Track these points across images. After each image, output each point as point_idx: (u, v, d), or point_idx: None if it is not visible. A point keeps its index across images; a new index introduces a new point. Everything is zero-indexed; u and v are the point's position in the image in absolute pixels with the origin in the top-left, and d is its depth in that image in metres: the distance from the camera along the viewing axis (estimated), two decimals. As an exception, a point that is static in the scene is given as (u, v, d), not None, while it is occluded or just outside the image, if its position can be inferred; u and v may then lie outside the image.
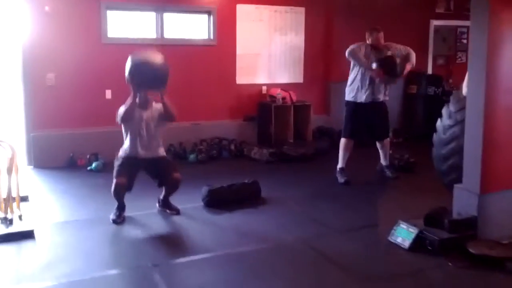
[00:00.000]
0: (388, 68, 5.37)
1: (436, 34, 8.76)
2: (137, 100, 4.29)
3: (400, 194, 5.30)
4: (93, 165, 6.02)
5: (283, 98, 7.08)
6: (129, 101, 4.28)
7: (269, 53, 7.43)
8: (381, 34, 5.46)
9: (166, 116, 4.43)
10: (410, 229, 3.84)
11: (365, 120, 5.56)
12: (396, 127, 7.94)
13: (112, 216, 4.32)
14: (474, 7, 3.76)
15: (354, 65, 5.52)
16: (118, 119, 4.35)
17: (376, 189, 5.53)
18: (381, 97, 5.55)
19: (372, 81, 5.43)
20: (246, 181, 4.96)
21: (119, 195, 4.32)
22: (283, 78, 7.58)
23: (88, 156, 6.18)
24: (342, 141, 5.63)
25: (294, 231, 4.18)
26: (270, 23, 7.37)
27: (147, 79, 4.19)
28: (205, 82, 7.05)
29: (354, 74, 5.52)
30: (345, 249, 3.83)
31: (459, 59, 9.06)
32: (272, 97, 7.21)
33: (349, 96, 5.58)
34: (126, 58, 4.26)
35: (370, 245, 3.94)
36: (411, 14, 8.23)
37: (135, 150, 4.39)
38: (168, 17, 6.81)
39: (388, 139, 5.81)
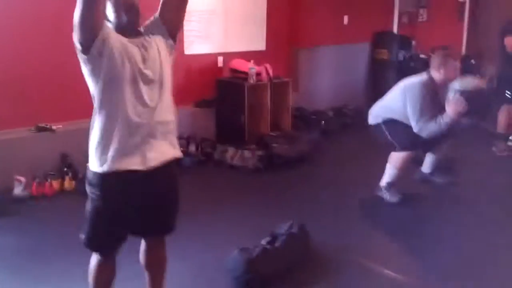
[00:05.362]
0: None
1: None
2: None
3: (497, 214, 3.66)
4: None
5: (258, 74, 4.97)
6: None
7: (225, 9, 5.22)
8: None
9: None
10: None
11: None
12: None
13: None
14: None
15: None
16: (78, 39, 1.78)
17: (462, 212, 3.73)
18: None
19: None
20: (291, 228, 2.88)
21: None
22: (243, 44, 5.45)
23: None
24: (403, 155, 3.73)
25: None
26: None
27: None
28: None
29: None
30: None
31: (421, 17, 7.67)
32: (238, 73, 5.06)
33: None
34: None
35: None
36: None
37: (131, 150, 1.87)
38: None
39: None
